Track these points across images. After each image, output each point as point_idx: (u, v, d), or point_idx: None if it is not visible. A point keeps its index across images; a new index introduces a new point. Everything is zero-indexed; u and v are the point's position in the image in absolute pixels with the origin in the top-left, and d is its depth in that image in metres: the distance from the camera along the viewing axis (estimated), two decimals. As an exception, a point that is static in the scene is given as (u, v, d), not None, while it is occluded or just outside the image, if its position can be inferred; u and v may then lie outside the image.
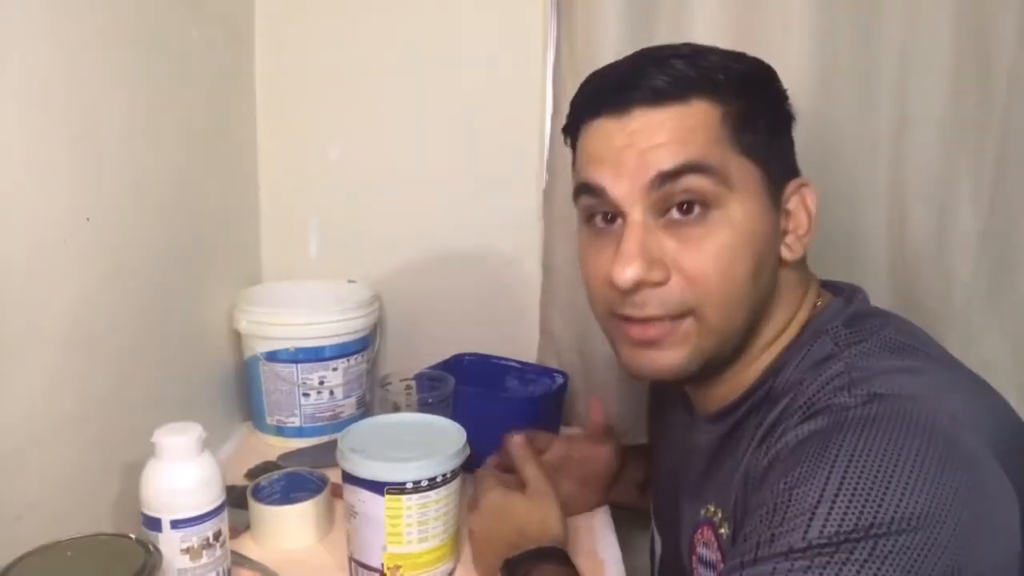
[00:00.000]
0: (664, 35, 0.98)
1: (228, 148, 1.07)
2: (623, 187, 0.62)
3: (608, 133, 0.64)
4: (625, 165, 0.62)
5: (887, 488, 0.49)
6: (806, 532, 0.49)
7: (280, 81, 1.13)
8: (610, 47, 0.98)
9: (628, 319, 0.65)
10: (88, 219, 0.73)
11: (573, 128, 0.69)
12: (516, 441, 0.82)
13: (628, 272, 0.61)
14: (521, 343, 1.15)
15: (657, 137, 0.61)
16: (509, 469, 0.84)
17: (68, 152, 0.70)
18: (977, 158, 0.96)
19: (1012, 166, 0.95)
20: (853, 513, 0.49)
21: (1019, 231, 0.96)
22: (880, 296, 0.70)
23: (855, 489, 0.49)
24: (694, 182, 0.61)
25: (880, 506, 0.48)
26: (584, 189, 0.66)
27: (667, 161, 0.61)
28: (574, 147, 0.70)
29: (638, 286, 0.62)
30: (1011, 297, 0.98)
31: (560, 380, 1.07)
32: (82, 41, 0.72)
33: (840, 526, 0.49)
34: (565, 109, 1.03)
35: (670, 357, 0.64)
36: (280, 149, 1.15)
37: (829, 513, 0.49)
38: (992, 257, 0.98)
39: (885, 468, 0.49)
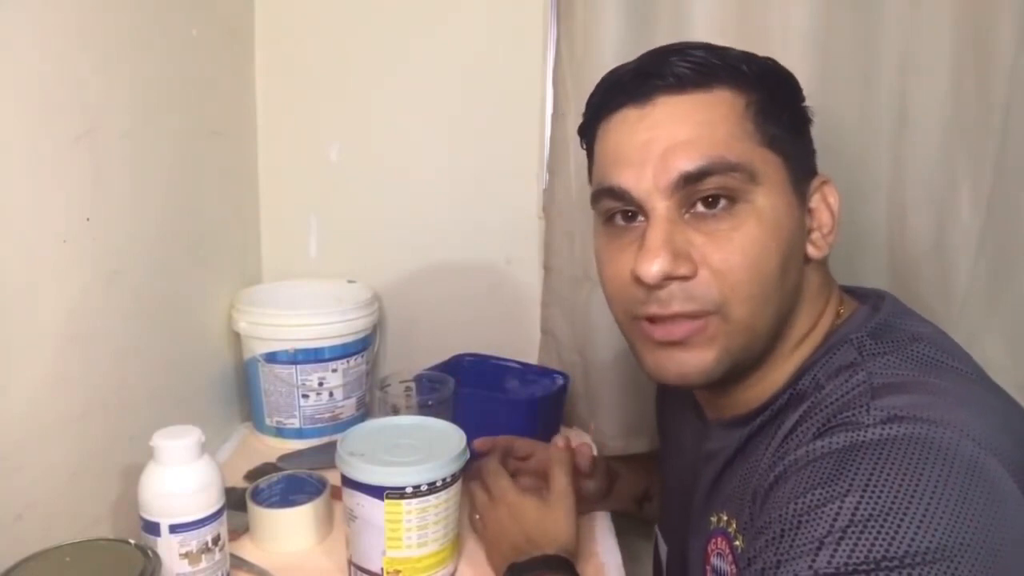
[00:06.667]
0: (664, 35, 0.98)
1: (228, 148, 1.07)
2: (646, 185, 0.61)
3: (630, 125, 0.62)
4: (647, 165, 0.60)
5: (902, 519, 0.46)
6: (813, 561, 0.47)
7: (280, 81, 1.13)
8: (610, 47, 0.98)
9: (651, 320, 0.62)
10: (88, 219, 0.73)
11: (590, 128, 0.67)
12: (562, 447, 0.84)
13: (655, 266, 0.59)
14: (521, 343, 1.15)
15: (680, 131, 0.60)
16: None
17: (68, 152, 0.70)
18: (977, 158, 0.96)
19: (1012, 166, 0.94)
20: (864, 545, 0.46)
21: (1018, 231, 0.95)
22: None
23: (867, 520, 0.47)
24: (719, 181, 0.59)
25: (894, 538, 0.46)
26: (605, 193, 0.64)
27: (690, 162, 0.59)
28: (591, 151, 0.68)
29: (664, 281, 0.59)
30: (1011, 297, 0.97)
31: (560, 381, 1.07)
32: (82, 41, 0.72)
33: (849, 558, 0.46)
34: (565, 109, 1.05)
35: (699, 359, 0.61)
36: (280, 149, 1.15)
37: (839, 544, 0.47)
38: (992, 257, 0.97)
39: (900, 498, 0.47)
